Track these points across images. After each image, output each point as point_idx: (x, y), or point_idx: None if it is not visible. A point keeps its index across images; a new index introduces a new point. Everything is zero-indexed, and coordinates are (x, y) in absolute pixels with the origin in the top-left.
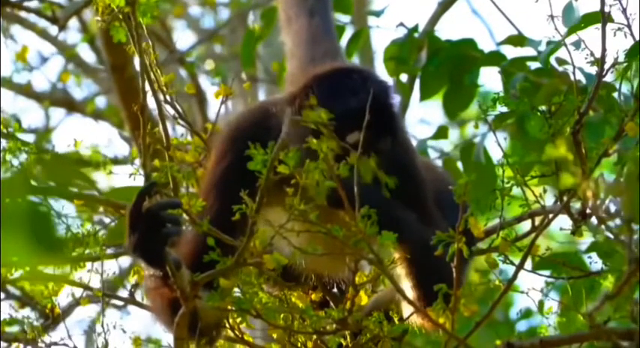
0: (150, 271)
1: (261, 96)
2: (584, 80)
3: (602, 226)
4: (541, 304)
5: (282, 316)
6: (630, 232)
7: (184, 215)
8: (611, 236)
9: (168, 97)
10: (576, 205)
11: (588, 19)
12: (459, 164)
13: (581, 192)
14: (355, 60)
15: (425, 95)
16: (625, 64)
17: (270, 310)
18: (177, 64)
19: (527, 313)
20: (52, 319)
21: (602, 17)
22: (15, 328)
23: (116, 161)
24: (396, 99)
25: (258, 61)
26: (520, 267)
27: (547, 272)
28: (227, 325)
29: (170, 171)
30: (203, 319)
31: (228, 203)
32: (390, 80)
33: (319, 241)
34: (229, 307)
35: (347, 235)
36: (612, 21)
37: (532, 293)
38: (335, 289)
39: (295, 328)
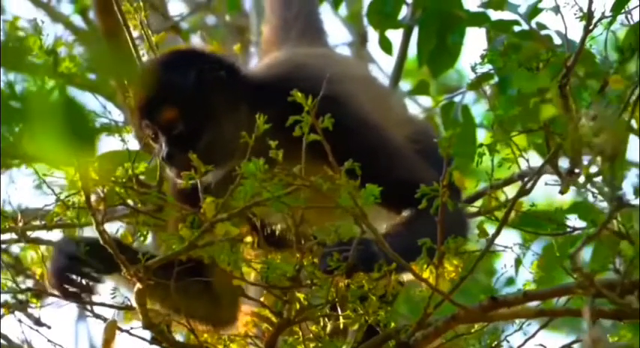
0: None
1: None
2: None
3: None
4: (518, 261)
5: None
6: (612, 171)
7: None
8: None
9: None
10: (564, 164)
11: None
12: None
13: (564, 126)
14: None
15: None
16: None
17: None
18: (172, 32)
19: (510, 281)
20: (42, 284)
21: None
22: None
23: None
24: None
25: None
26: (503, 223)
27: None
28: None
29: None
30: None
31: None
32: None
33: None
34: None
35: (331, 188)
36: None
37: (512, 255)
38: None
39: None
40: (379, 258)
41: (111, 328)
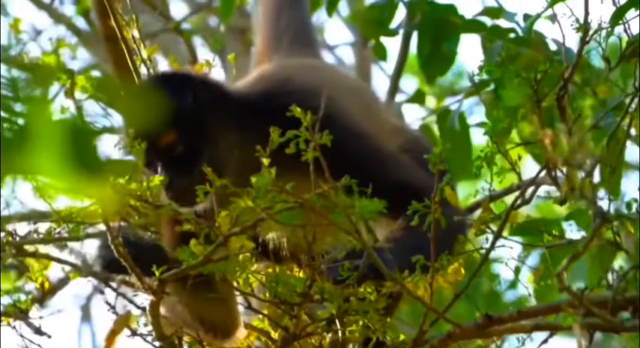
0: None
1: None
2: (556, 48)
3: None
4: (517, 270)
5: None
6: (592, 187)
7: None
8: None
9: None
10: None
11: None
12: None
13: (540, 141)
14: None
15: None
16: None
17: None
18: (174, 33)
19: (513, 284)
20: (43, 292)
21: None
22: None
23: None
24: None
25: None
26: (498, 235)
27: (525, 240)
28: None
29: None
30: None
31: None
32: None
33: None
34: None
35: (325, 206)
36: None
37: (511, 262)
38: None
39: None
40: (390, 266)
41: (122, 321)
